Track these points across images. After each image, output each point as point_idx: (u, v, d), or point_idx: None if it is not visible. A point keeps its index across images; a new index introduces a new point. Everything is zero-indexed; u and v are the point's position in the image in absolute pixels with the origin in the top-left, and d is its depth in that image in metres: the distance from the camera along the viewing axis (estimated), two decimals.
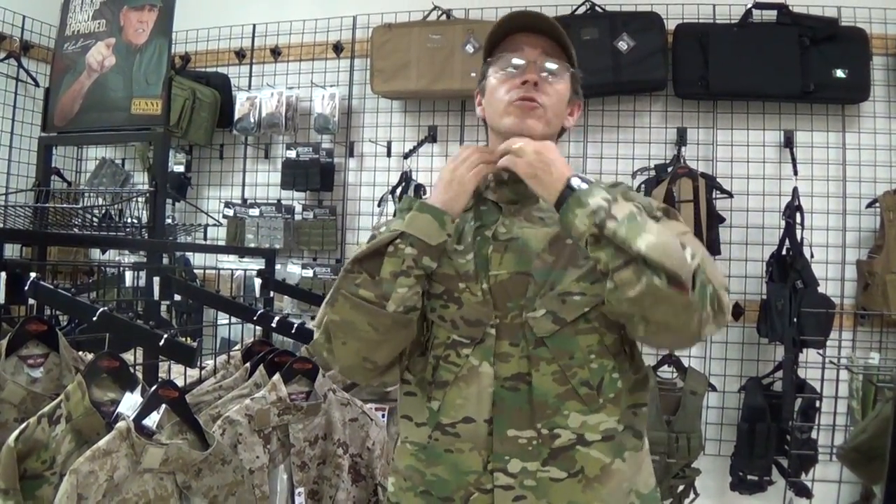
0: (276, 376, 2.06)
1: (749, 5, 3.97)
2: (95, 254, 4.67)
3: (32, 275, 1.83)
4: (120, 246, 3.78)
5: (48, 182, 3.63)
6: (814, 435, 3.65)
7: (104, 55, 3.46)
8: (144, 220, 3.23)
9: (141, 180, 4.84)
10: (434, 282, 1.55)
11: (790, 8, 3.91)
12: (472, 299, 1.51)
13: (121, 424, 1.61)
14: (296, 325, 2.44)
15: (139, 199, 3.29)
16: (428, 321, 1.56)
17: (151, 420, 1.67)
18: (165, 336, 1.81)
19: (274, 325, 2.43)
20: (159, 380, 1.82)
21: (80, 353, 2.05)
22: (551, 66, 1.57)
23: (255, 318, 2.46)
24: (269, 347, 2.34)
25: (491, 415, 1.48)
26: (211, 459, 1.75)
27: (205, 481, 1.74)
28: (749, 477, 3.69)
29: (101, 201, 3.68)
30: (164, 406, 1.71)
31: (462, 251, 1.56)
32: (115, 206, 3.42)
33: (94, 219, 3.36)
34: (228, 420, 1.94)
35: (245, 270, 4.00)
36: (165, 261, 2.98)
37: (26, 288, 1.82)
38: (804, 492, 3.63)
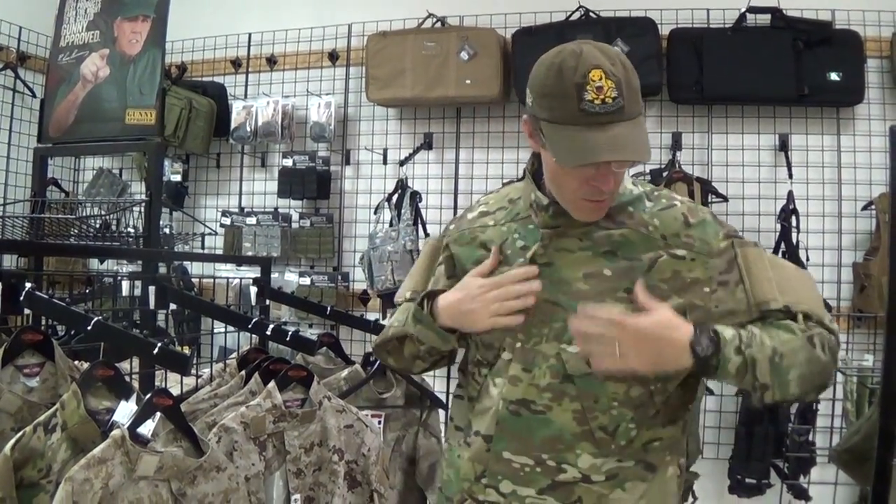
0: (271, 384, 2.06)
1: (743, 10, 3.98)
2: (93, 263, 4.68)
3: (28, 285, 1.84)
4: (115, 256, 3.78)
5: (44, 192, 3.64)
6: (811, 437, 3.66)
7: (98, 66, 3.47)
8: (141, 229, 3.24)
9: (139, 190, 4.85)
10: None
11: (784, 12, 3.91)
12: None
13: (115, 433, 1.61)
14: (290, 333, 2.44)
15: (135, 208, 3.30)
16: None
17: (146, 428, 1.67)
18: (159, 345, 1.82)
19: (268, 332, 2.43)
20: (154, 388, 1.82)
21: (76, 362, 2.05)
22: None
23: (249, 326, 2.46)
24: (264, 355, 2.34)
25: (492, 433, 1.54)
26: (206, 467, 1.75)
27: (200, 488, 1.74)
28: (747, 480, 3.68)
29: (97, 211, 3.69)
30: (158, 414, 1.72)
31: (506, 272, 1.56)
32: (111, 215, 3.42)
33: (91, 229, 3.36)
34: (224, 428, 1.94)
35: (242, 279, 4.01)
36: (163, 270, 2.97)
37: (22, 298, 1.82)
38: (802, 494, 3.63)
